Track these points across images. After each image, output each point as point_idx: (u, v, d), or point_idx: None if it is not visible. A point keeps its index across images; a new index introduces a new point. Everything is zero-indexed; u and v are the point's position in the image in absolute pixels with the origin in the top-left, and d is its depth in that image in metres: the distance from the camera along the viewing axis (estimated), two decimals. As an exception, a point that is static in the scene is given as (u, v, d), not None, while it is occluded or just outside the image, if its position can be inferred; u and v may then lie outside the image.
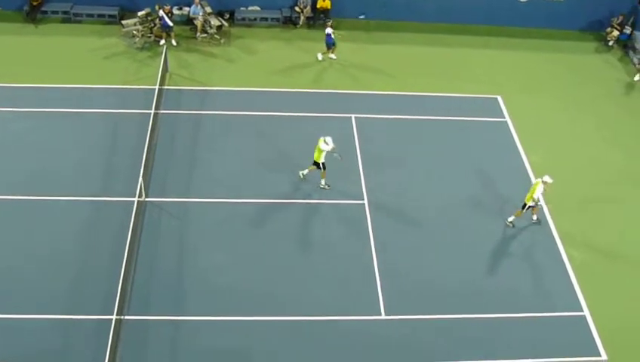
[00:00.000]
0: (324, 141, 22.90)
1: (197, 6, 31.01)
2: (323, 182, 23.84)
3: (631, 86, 30.90)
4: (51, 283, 19.93)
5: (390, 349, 19.09)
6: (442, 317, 20.01)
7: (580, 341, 19.77)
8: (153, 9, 30.48)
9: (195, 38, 31.19)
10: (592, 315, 20.41)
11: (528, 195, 22.57)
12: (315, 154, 23.21)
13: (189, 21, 31.68)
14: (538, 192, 22.32)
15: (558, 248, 22.48)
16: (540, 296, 20.90)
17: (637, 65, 31.03)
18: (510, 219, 23.17)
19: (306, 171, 23.93)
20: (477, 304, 20.45)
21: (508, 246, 22.44)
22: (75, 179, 23.30)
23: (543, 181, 22.33)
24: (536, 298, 20.83)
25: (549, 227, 23.20)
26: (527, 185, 24.27)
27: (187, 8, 31.53)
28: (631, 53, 32.57)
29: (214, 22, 31.42)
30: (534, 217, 23.35)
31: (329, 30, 30.04)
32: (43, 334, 18.66)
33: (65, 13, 31.90)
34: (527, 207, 22.63)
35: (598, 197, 24.47)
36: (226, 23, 31.94)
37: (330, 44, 30.23)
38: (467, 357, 19.07)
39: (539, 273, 21.68)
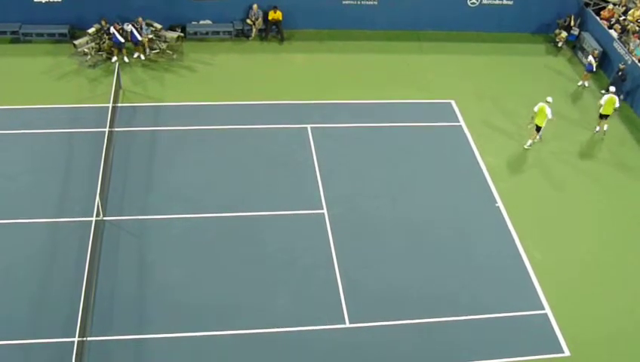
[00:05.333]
0: (548, 103, 26.09)
1: (144, 26, 30.77)
2: (538, 137, 26.81)
3: (581, 85, 31.44)
4: (10, 308, 19.54)
5: (355, 357, 19.10)
6: (405, 323, 20.05)
7: (543, 339, 19.98)
8: (101, 24, 30.14)
9: (147, 54, 30.96)
10: (553, 313, 20.66)
11: (607, 107, 27.29)
12: (539, 119, 26.30)
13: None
14: (617, 104, 27.52)
15: (517, 247, 22.72)
16: (502, 297, 21.09)
17: (585, 73, 31.59)
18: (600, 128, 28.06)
19: (529, 142, 26.89)
20: (439, 308, 20.55)
21: (468, 250, 22.59)
22: (30, 201, 22.92)
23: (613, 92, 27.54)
24: (498, 298, 21.00)
25: (508, 227, 23.45)
26: (484, 187, 24.63)
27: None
28: (579, 53, 33.15)
29: (170, 35, 31.28)
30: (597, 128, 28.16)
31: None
32: (3, 360, 18.30)
33: (14, 33, 31.39)
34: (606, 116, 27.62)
35: (554, 195, 24.82)
36: (182, 34, 31.83)
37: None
38: (431, 361, 19.17)
39: (499, 274, 21.89)
